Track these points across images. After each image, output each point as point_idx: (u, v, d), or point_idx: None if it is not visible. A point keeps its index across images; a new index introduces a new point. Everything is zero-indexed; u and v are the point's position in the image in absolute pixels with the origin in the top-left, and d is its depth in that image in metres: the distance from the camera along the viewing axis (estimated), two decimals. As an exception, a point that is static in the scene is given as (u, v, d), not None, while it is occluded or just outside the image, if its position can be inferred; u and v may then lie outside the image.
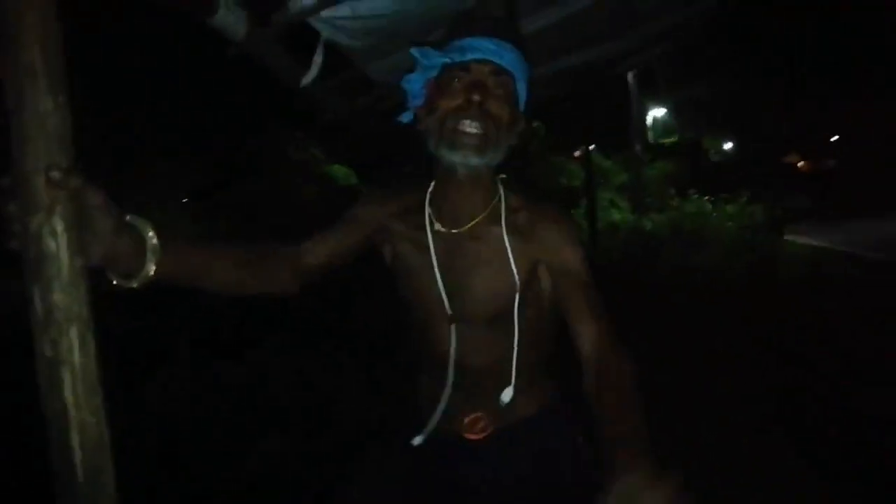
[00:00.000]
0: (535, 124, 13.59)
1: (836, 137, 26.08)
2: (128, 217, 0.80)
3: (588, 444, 1.24)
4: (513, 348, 1.12)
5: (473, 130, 1.04)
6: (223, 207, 9.74)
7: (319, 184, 10.87)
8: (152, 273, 0.81)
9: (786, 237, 11.70)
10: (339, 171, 11.64)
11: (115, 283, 0.81)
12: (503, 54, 1.06)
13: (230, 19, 1.26)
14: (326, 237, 1.17)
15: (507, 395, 1.12)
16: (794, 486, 2.64)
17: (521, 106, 1.14)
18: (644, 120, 20.85)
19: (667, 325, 5.39)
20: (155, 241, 0.81)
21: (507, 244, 1.11)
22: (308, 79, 1.66)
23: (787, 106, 22.73)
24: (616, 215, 11.88)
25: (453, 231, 1.14)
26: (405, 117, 1.18)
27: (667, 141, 20.73)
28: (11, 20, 0.66)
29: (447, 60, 1.07)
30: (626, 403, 0.87)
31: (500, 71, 1.07)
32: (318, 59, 1.61)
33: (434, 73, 1.10)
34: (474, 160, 1.06)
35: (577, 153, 16.22)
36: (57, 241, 0.67)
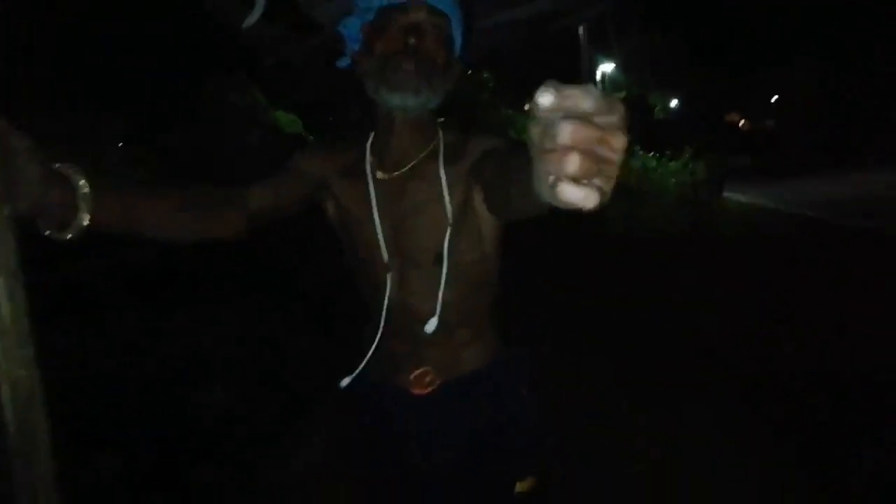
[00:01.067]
0: (484, 75, 13.47)
1: (775, 98, 26.78)
2: (57, 164, 0.75)
3: (534, 395, 1.27)
4: (440, 286, 1.12)
5: (410, 72, 1.04)
6: (163, 152, 9.37)
7: (263, 130, 10.56)
8: (86, 223, 0.77)
9: (725, 194, 12.10)
10: (284, 117, 11.32)
11: (47, 233, 0.77)
12: None
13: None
14: (270, 184, 1.14)
15: (430, 325, 1.12)
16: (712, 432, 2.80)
17: (457, 51, 1.14)
18: (594, 75, 20.92)
19: (610, 276, 5.55)
20: (87, 189, 0.76)
21: (442, 178, 1.11)
22: (250, 21, 1.58)
23: (730, 66, 23.16)
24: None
25: (394, 174, 1.14)
26: (343, 62, 1.17)
27: (616, 96, 20.89)
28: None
29: (383, 3, 1.07)
30: None
31: (435, 12, 1.07)
32: (261, 0, 1.54)
33: (371, 16, 1.09)
34: (412, 100, 1.06)
35: (526, 106, 16.19)
36: (-22, 188, 0.63)
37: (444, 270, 1.12)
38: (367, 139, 1.18)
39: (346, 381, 1.18)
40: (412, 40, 1.04)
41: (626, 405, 3.09)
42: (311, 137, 11.38)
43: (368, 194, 1.14)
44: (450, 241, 1.11)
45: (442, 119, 1.18)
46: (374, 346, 1.17)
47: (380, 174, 1.15)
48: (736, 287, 5.08)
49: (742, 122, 30.59)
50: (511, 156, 0.90)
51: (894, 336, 3.59)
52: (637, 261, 6.27)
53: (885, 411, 2.79)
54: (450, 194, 1.11)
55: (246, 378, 3.44)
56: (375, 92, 1.08)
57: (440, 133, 1.17)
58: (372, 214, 1.13)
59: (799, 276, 5.35)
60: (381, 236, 1.14)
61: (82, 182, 0.76)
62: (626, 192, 10.61)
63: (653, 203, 10.07)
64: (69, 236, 0.77)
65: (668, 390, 3.19)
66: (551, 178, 0.42)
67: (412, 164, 1.13)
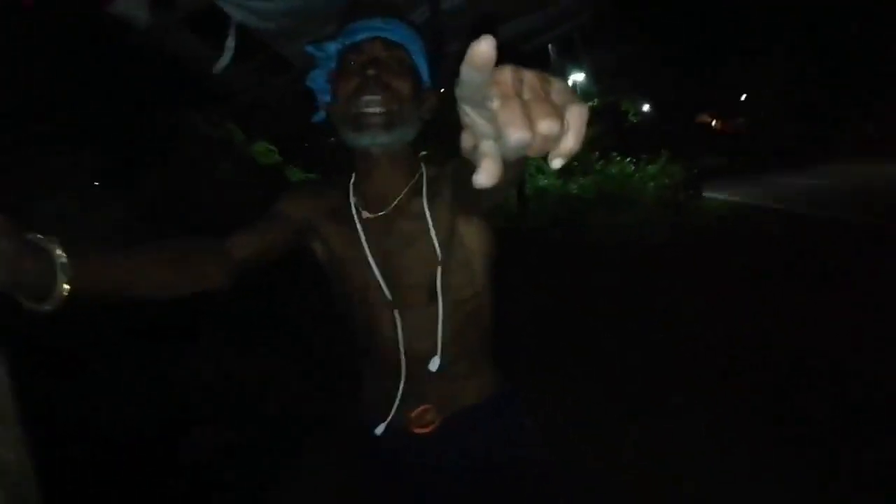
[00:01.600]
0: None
1: (744, 96, 27.19)
2: (30, 236, 0.74)
3: (536, 426, 1.26)
4: (438, 322, 1.12)
5: (376, 108, 1.04)
6: (140, 191, 9.29)
7: (240, 164, 10.51)
8: (65, 293, 0.75)
9: (704, 194, 12.22)
10: (261, 148, 11.29)
11: (26, 307, 0.75)
12: (392, 29, 1.09)
13: (130, 7, 1.18)
14: (253, 232, 1.12)
15: (433, 364, 1.12)
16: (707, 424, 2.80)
17: (426, 79, 1.15)
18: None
19: (594, 285, 5.56)
20: (64, 259, 0.74)
21: (427, 215, 1.11)
22: (221, 64, 1.58)
23: (695, 67, 23.51)
24: (543, 181, 12.04)
25: (380, 214, 1.14)
26: (318, 117, 1.18)
27: (588, 105, 21.09)
28: None
29: (339, 46, 1.09)
30: None
31: (391, 45, 1.08)
32: (230, 43, 1.54)
33: (333, 64, 1.11)
34: (382, 138, 1.06)
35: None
36: (-47, 268, 0.62)
37: (441, 307, 1.11)
38: (350, 179, 1.18)
39: (380, 429, 1.16)
40: (371, 72, 1.04)
41: (613, 416, 3.07)
42: (290, 167, 11.36)
43: (357, 236, 1.13)
44: (442, 276, 1.11)
45: (424, 152, 1.18)
46: (400, 392, 1.15)
47: (366, 214, 1.15)
48: (720, 289, 5.11)
49: (714, 121, 30.99)
50: None
51: (883, 328, 3.62)
52: (620, 268, 6.30)
53: (879, 407, 2.79)
54: (436, 229, 1.10)
55: (238, 418, 3.39)
56: (346, 134, 1.08)
57: (422, 167, 1.17)
58: (365, 256, 1.13)
59: (783, 271, 5.40)
60: (379, 276, 1.13)
61: (58, 252, 0.74)
62: (605, 199, 10.69)
63: (633, 208, 10.15)
64: (48, 308, 0.75)
65: (656, 400, 3.18)
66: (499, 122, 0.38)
67: (396, 201, 1.13)
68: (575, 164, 13.25)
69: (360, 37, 1.07)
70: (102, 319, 4.60)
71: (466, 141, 0.42)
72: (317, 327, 4.23)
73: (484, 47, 0.36)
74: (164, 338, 4.53)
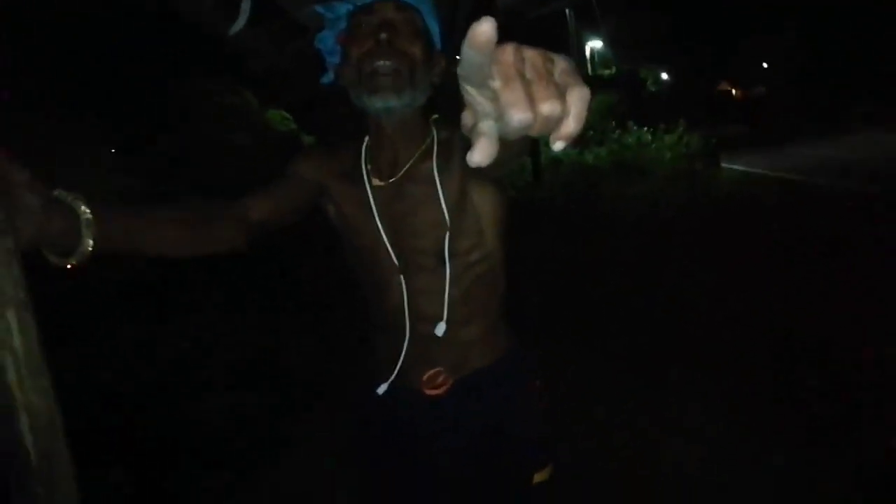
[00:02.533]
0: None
1: (765, 65, 26.64)
2: (56, 192, 0.76)
3: (546, 389, 1.27)
4: (445, 288, 1.13)
5: (387, 70, 1.03)
6: (156, 158, 9.36)
7: (255, 131, 10.54)
8: (90, 248, 0.77)
9: (723, 164, 12.06)
10: (276, 116, 11.30)
11: (51, 261, 0.78)
12: None
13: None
14: (269, 193, 1.14)
15: (439, 329, 1.13)
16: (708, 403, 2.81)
17: (438, 42, 1.14)
18: (583, 52, 20.84)
19: (605, 257, 5.55)
20: (88, 215, 0.77)
21: (436, 179, 1.11)
22: (237, 27, 1.58)
23: (718, 33, 23.04)
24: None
25: (390, 180, 1.14)
26: (326, 78, 1.17)
27: (605, 73, 20.82)
28: None
29: (350, 7, 1.07)
30: None
31: (404, 7, 1.07)
32: (245, 6, 1.54)
33: (343, 25, 1.10)
34: (393, 101, 1.05)
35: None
36: (-18, 222, 0.64)
37: (448, 271, 1.12)
38: (363, 143, 1.18)
39: (382, 388, 1.18)
40: (383, 35, 1.03)
41: (611, 392, 3.06)
42: (304, 135, 11.36)
43: (367, 200, 1.14)
44: (450, 241, 1.12)
45: (436, 116, 1.18)
46: (403, 354, 1.17)
47: (376, 180, 1.15)
48: (732, 263, 5.06)
49: (734, 90, 30.46)
50: None
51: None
52: (632, 239, 6.25)
53: (888, 387, 2.75)
54: (444, 194, 1.10)
55: (247, 383, 3.46)
56: (358, 99, 1.08)
57: (433, 131, 1.16)
58: (374, 220, 1.14)
59: (798, 245, 5.34)
60: (387, 241, 1.14)
61: (83, 208, 0.77)
62: (621, 169, 10.59)
63: (649, 178, 10.05)
64: (73, 263, 0.78)
65: (656, 376, 3.16)
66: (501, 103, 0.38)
67: (406, 166, 1.13)
68: (591, 132, 13.14)
69: None
70: (114, 280, 4.70)
71: (466, 119, 0.42)
72: (330, 289, 4.27)
73: (485, 27, 0.36)
74: (177, 299, 4.62)
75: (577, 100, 0.39)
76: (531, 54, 0.39)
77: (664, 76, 25.43)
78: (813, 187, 8.97)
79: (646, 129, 12.23)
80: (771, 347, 3.34)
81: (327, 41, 1.13)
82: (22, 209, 0.69)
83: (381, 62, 1.03)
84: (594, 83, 17.64)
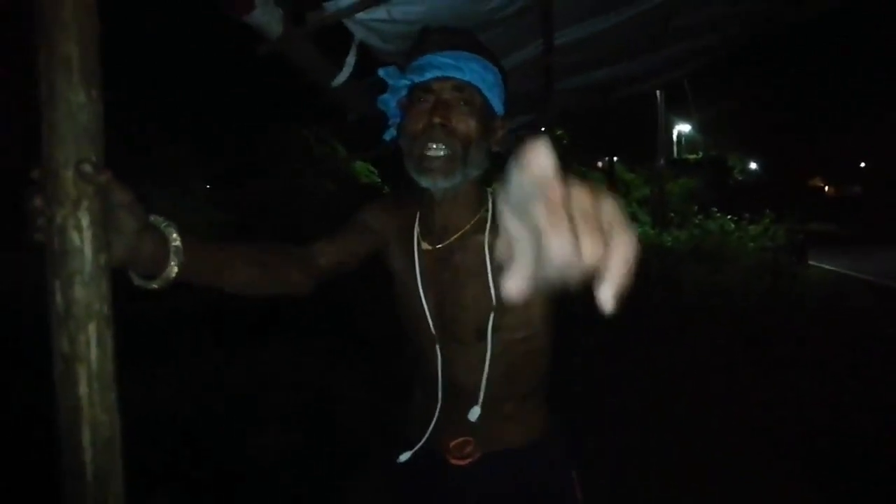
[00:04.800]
0: (558, 132, 13.56)
1: (863, 164, 25.71)
2: (152, 217, 0.79)
3: (578, 481, 1.20)
4: (485, 365, 1.09)
5: (439, 153, 1.02)
6: (246, 197, 9.82)
7: (341, 179, 10.91)
8: (174, 275, 0.81)
9: (810, 262, 11.54)
10: (362, 168, 11.68)
11: (136, 283, 0.81)
12: (463, 67, 1.05)
13: (266, 17, 1.26)
14: (336, 240, 1.16)
15: (473, 413, 1.09)
16: None
17: (499, 110, 1.12)
18: (670, 135, 20.72)
19: (682, 348, 5.34)
20: (178, 243, 0.80)
21: (486, 255, 1.08)
22: (340, 79, 1.65)
23: (814, 130, 22.50)
24: (637, 229, 11.78)
25: (438, 246, 1.12)
26: (388, 135, 1.17)
27: (692, 157, 20.59)
28: (48, 11, 0.66)
29: (409, 82, 1.07)
30: None
31: (462, 86, 1.05)
32: (350, 59, 1.61)
33: (403, 94, 1.10)
34: (442, 183, 1.04)
35: (599, 164, 16.19)
36: (81, 236, 0.67)
37: (489, 350, 1.08)
38: (419, 205, 1.18)
39: (405, 457, 1.15)
40: (437, 120, 1.02)
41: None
42: (387, 187, 11.68)
43: (413, 264, 1.13)
44: (494, 318, 1.08)
45: (496, 186, 1.17)
46: (433, 423, 1.14)
47: (425, 245, 1.14)
48: (817, 365, 4.77)
49: (827, 187, 29.45)
50: None
51: None
52: (712, 331, 6.00)
53: None
54: (493, 269, 1.06)
55: (300, 424, 3.46)
56: (409, 171, 1.08)
57: (490, 202, 1.13)
58: (417, 286, 1.12)
59: (886, 352, 4.99)
60: (426, 309, 1.12)
61: (175, 235, 0.80)
62: (701, 256, 10.30)
63: (730, 269, 9.71)
64: (156, 286, 0.80)
65: (710, 480, 2.95)
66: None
67: (457, 235, 1.11)
68: (672, 215, 12.91)
69: (429, 75, 1.05)
70: (180, 316, 4.88)
71: (504, 242, 0.39)
72: (393, 341, 4.28)
73: (542, 155, 0.34)
74: (239, 337, 4.74)
75: (622, 247, 0.35)
76: (579, 193, 0.35)
77: (753, 165, 24.91)
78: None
79: (730, 217, 11.90)
80: (847, 456, 3.10)
81: (389, 104, 1.14)
82: (119, 228, 0.72)
83: (433, 146, 1.02)
84: (679, 166, 17.45)
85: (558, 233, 0.33)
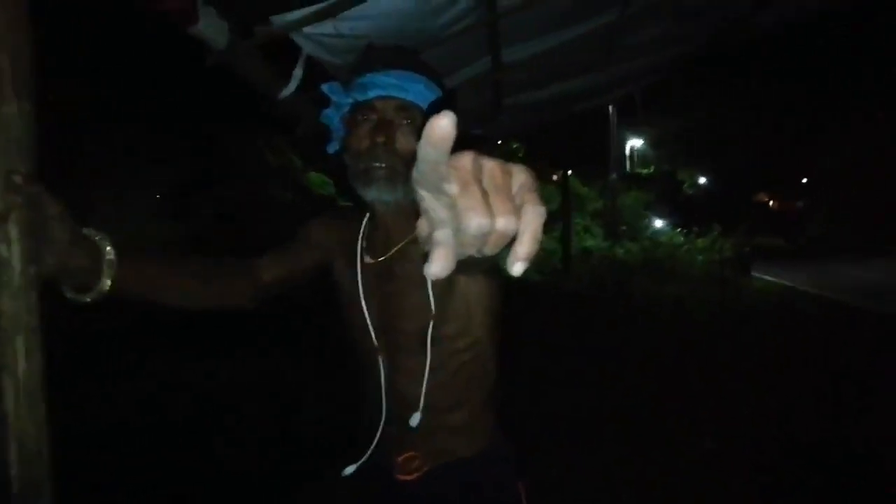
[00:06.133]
0: (514, 146, 13.74)
1: (805, 180, 26.74)
2: (85, 230, 0.79)
3: (523, 492, 1.21)
4: (424, 374, 1.10)
5: (381, 171, 1.04)
6: (198, 207, 9.65)
7: (296, 190, 10.82)
8: (107, 288, 0.80)
9: (753, 273, 11.94)
10: (317, 179, 11.61)
11: (67, 295, 0.80)
12: (406, 87, 1.06)
13: (211, 30, 1.26)
14: (281, 256, 1.18)
15: (414, 419, 1.09)
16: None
17: None
18: (622, 149, 21.17)
19: (636, 353, 5.45)
20: (112, 256, 0.80)
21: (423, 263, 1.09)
22: (287, 91, 1.65)
23: (759, 145, 23.28)
24: (590, 241, 12.00)
25: (379, 259, 1.14)
26: (331, 148, 1.18)
27: (643, 171, 21.09)
28: (-19, 22, 0.66)
29: (351, 100, 1.08)
30: None
31: (405, 106, 1.07)
32: (298, 72, 1.61)
33: (346, 110, 1.11)
34: (387, 195, 1.05)
35: (554, 177, 16.43)
36: (10, 248, 0.66)
37: (429, 357, 1.09)
38: (363, 221, 1.19)
39: (350, 470, 1.15)
40: (380, 139, 1.03)
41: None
42: (342, 199, 11.62)
43: (356, 278, 1.14)
44: (434, 326, 1.09)
45: None
46: (378, 435, 1.14)
47: (367, 258, 1.15)
48: (759, 371, 4.94)
49: (772, 201, 30.50)
50: None
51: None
52: (657, 340, 6.15)
53: None
54: (432, 286, 1.08)
55: (259, 431, 3.43)
56: (354, 185, 1.09)
57: None
58: (359, 298, 1.14)
59: (824, 359, 5.20)
60: (368, 321, 1.13)
61: (108, 248, 0.79)
62: (651, 267, 10.55)
63: (679, 280, 9.97)
64: (88, 299, 0.80)
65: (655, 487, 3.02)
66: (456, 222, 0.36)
67: (397, 248, 1.12)
68: (623, 228, 13.19)
69: (372, 94, 1.06)
70: (137, 324, 4.78)
71: (422, 228, 0.40)
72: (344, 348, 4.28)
73: (444, 122, 0.35)
74: (196, 346, 4.67)
75: (532, 218, 0.36)
76: (490, 165, 0.37)
77: (702, 180, 25.63)
78: (840, 305, 8.80)
79: (679, 230, 12.24)
80: (788, 462, 3.21)
81: (332, 119, 1.15)
82: (49, 240, 0.71)
83: (376, 164, 1.04)
84: (631, 180, 17.83)
85: (472, 196, 0.35)
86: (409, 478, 1.13)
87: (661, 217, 13.22)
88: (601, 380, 4.69)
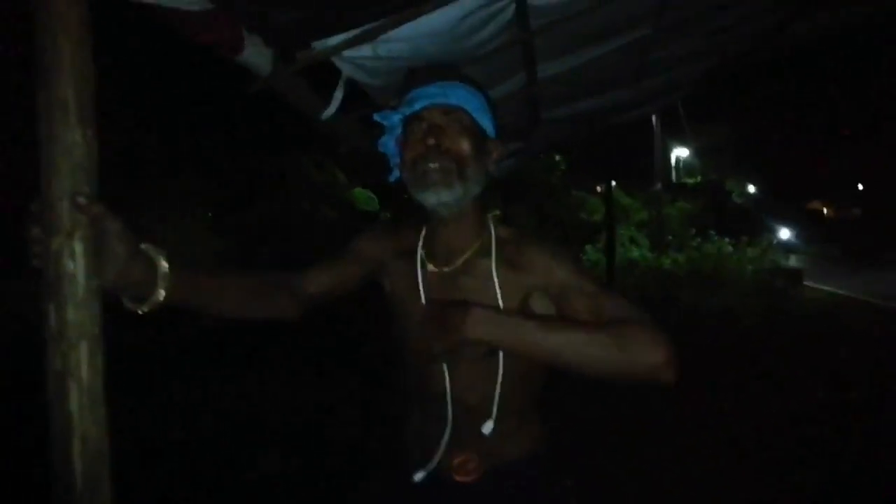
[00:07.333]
0: (556, 158, 13.68)
1: (861, 186, 25.80)
2: (142, 245, 0.85)
3: (575, 489, 1.24)
4: (496, 384, 1.13)
5: (435, 169, 1.10)
6: (246, 224, 9.92)
7: (340, 206, 11.02)
8: (162, 299, 0.87)
9: (806, 283, 11.58)
10: (361, 195, 11.79)
11: (126, 306, 0.87)
12: (448, 93, 1.14)
13: (256, 57, 1.33)
14: (329, 267, 1.22)
15: (487, 427, 1.12)
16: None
17: (491, 132, 1.19)
18: (668, 159, 20.85)
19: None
20: (166, 268, 0.86)
21: (495, 277, 1.13)
22: (328, 113, 1.72)
23: (813, 153, 22.59)
24: (635, 252, 11.81)
25: (444, 269, 1.18)
26: (392, 177, 1.24)
27: (689, 181, 20.70)
28: (48, 56, 0.73)
29: (401, 115, 1.16)
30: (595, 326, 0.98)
31: (450, 110, 1.14)
32: (338, 94, 1.68)
33: (399, 131, 1.18)
34: (446, 195, 1.11)
35: (598, 188, 16.29)
36: (75, 263, 0.73)
37: (500, 365, 1.13)
38: (422, 230, 1.24)
39: (420, 476, 1.17)
40: (431, 141, 1.10)
41: None
42: (386, 214, 11.77)
43: (418, 286, 1.18)
44: None
45: (496, 212, 1.23)
46: (445, 441, 1.16)
47: (430, 266, 1.20)
48: (810, 383, 4.79)
49: (826, 209, 29.53)
50: (604, 308, 1.02)
51: None
52: (703, 353, 6.01)
53: None
54: (503, 298, 1.12)
55: (294, 446, 3.49)
56: (413, 193, 1.15)
57: (491, 227, 1.20)
58: (420, 303, 1.17)
59: (883, 373, 5.00)
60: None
61: (162, 262, 0.86)
62: (698, 278, 10.33)
63: (728, 290, 9.74)
64: (144, 309, 0.87)
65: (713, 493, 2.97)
66: None
67: (462, 259, 1.17)
68: (670, 238, 12.97)
69: (419, 106, 1.14)
70: (178, 340, 4.93)
71: None
72: (384, 362, 4.32)
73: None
74: (236, 361, 4.78)
75: None
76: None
77: (751, 188, 25.01)
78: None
79: (727, 239, 11.96)
80: (845, 481, 3.10)
81: (388, 145, 1.22)
82: (110, 255, 0.78)
83: (430, 164, 1.10)
84: (677, 190, 17.53)
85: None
86: (466, 479, 1.17)
87: (708, 227, 12.93)
88: (641, 387, 4.61)
